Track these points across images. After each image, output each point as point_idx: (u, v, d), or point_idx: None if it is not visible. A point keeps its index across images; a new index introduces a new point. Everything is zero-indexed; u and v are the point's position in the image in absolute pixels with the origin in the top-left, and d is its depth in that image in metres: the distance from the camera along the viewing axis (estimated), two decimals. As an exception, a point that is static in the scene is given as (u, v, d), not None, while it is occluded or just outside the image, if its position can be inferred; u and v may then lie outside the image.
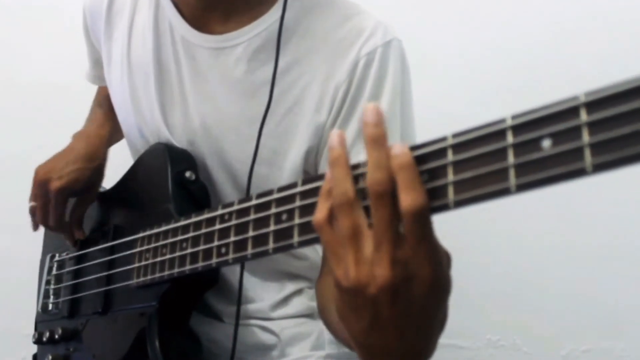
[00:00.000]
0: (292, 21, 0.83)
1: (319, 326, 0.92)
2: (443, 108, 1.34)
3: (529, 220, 1.32)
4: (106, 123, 1.05)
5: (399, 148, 0.45)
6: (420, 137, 0.83)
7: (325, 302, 0.74)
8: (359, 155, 0.47)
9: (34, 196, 0.97)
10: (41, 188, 0.95)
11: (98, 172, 0.98)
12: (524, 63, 1.36)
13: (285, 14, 0.82)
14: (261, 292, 0.93)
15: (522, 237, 1.37)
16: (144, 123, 0.92)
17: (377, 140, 0.46)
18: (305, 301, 0.94)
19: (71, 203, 0.98)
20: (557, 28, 1.35)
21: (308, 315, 0.94)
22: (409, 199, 0.43)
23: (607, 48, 1.31)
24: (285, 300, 0.94)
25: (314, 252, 0.94)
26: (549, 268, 1.36)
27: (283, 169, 0.84)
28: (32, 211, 0.97)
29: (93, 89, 1.14)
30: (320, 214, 0.48)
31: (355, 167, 0.48)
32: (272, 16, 0.84)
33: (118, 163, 1.00)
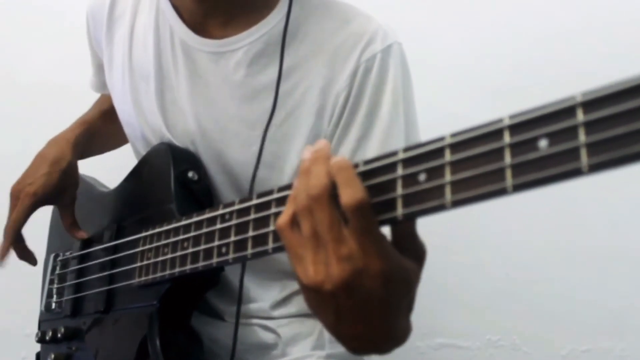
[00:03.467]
0: (292, 25, 0.83)
1: (319, 325, 0.92)
2: (443, 108, 1.34)
3: (529, 221, 1.32)
4: (77, 128, 1.03)
5: (339, 157, 0.49)
6: (423, 139, 0.84)
7: None
8: None
9: (11, 212, 0.94)
10: (15, 200, 0.93)
11: (67, 174, 0.95)
12: (524, 63, 1.36)
13: (283, 19, 0.82)
14: (262, 292, 0.93)
15: (522, 238, 1.37)
16: (146, 125, 0.93)
17: (318, 159, 0.49)
18: (306, 300, 0.94)
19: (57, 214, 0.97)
20: (556, 28, 1.35)
21: (309, 315, 0.94)
22: (347, 194, 0.46)
23: (607, 48, 1.31)
24: (286, 299, 0.94)
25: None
26: (549, 268, 1.35)
27: (284, 172, 0.85)
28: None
29: (93, 90, 1.14)
30: (282, 218, 0.51)
31: None
32: (271, 20, 0.84)
33: (120, 164, 1.01)
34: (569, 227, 1.34)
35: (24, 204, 0.91)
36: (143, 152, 0.94)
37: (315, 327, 0.92)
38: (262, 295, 0.93)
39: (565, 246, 1.35)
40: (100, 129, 1.08)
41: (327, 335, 0.92)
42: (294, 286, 0.95)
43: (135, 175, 0.95)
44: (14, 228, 0.92)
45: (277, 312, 0.93)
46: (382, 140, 0.80)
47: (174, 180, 0.83)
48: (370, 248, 0.46)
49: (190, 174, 0.83)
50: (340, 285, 0.47)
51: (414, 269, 0.50)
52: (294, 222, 0.50)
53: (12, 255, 0.95)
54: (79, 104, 1.13)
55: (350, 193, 0.46)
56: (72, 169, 0.97)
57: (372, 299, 0.48)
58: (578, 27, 1.34)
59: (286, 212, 0.51)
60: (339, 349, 0.91)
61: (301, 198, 0.49)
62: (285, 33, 0.82)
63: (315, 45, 0.84)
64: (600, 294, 1.33)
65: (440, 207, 0.44)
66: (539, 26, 1.36)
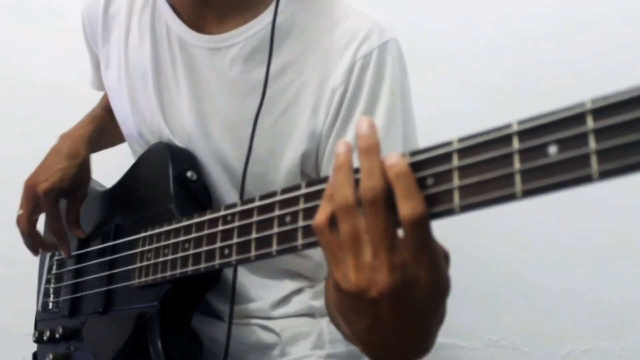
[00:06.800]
0: (288, 21, 0.83)
1: (319, 325, 0.93)
2: (442, 107, 1.33)
3: (529, 220, 1.32)
4: (89, 124, 1.04)
5: (394, 157, 0.46)
6: (421, 136, 0.84)
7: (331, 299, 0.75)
8: (356, 160, 0.48)
9: (22, 204, 0.95)
10: (28, 194, 0.93)
11: (82, 169, 0.96)
12: (524, 62, 1.36)
13: (278, 15, 0.82)
14: (261, 291, 0.93)
15: (522, 237, 1.37)
16: (143, 124, 0.92)
17: (369, 149, 0.47)
18: (306, 300, 0.94)
19: (63, 206, 0.97)
20: (557, 27, 1.35)
21: (309, 315, 0.94)
22: (407, 207, 0.44)
23: (607, 48, 1.31)
24: (286, 299, 0.94)
25: (317, 253, 0.94)
26: (549, 268, 1.36)
27: (279, 169, 0.85)
28: (19, 220, 0.95)
29: (93, 89, 1.13)
30: (320, 217, 0.48)
31: (356, 171, 0.48)
32: (268, 16, 0.84)
33: (118, 163, 1.00)
34: (569, 227, 1.34)
35: (48, 202, 0.92)
36: (140, 151, 0.93)
37: (314, 327, 0.92)
38: (261, 295, 0.93)
39: (565, 246, 1.35)
40: (109, 125, 1.08)
41: (326, 335, 0.92)
42: (294, 286, 0.94)
43: (132, 174, 0.95)
44: (54, 225, 0.93)
45: (276, 312, 0.93)
46: (380, 138, 0.80)
47: (173, 180, 0.82)
48: (422, 260, 0.45)
49: (189, 174, 0.83)
50: (388, 294, 0.45)
51: (449, 277, 0.49)
52: (333, 221, 0.48)
53: (10, 254, 0.94)
54: (80, 104, 1.13)
55: (412, 206, 0.44)
56: (86, 164, 0.98)
57: (415, 311, 0.46)
58: (578, 26, 1.34)
59: (323, 210, 0.48)
60: (339, 348, 0.91)
61: (341, 196, 0.47)
62: (274, 30, 0.81)
63: (311, 42, 0.83)
64: (601, 294, 1.33)
65: (449, 212, 0.44)
66: (538, 24, 1.36)
